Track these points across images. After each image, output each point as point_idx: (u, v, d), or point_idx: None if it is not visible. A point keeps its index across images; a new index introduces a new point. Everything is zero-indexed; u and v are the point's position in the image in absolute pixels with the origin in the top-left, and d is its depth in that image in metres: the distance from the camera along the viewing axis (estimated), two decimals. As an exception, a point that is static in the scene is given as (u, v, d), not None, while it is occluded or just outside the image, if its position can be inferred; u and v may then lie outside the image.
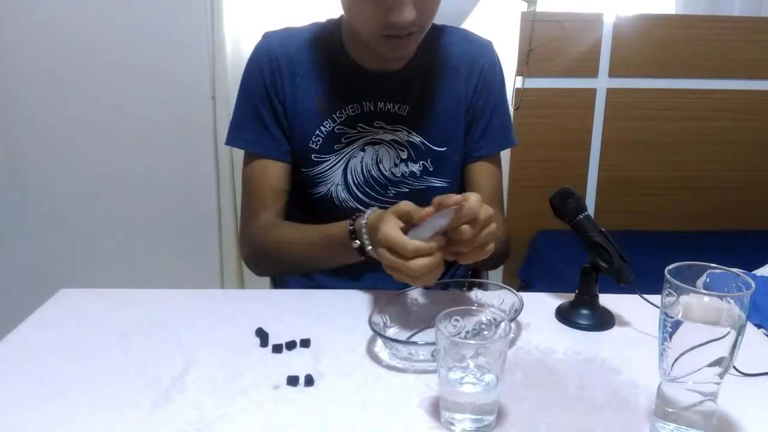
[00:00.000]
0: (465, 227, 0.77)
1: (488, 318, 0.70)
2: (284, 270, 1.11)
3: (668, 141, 2.46)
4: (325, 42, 1.07)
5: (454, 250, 0.80)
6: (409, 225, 0.80)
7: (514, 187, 2.41)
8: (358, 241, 0.90)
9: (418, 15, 0.90)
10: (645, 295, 0.92)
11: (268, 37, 1.08)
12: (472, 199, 0.78)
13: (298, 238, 1.01)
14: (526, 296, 0.85)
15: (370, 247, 0.88)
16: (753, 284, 0.59)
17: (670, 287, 0.60)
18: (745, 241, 2.34)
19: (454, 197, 0.76)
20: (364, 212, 0.90)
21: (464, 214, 0.76)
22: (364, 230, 0.88)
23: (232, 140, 1.09)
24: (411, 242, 0.75)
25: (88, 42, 2.17)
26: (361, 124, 1.06)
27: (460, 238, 0.78)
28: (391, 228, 0.78)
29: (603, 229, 0.90)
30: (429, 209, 0.78)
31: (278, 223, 1.05)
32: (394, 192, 1.09)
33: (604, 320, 0.90)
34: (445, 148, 1.09)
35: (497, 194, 1.15)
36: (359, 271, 1.13)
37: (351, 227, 0.91)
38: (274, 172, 1.07)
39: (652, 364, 0.64)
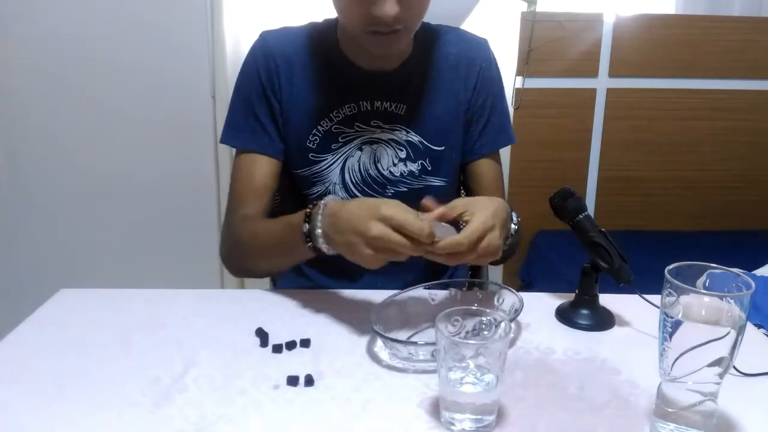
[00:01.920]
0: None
1: (488, 318, 0.70)
2: (253, 267, 1.06)
3: (668, 141, 2.46)
4: (322, 42, 1.07)
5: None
6: None
7: (514, 187, 2.41)
8: (307, 225, 0.86)
9: (402, 11, 0.90)
10: (645, 295, 0.92)
11: (265, 36, 1.08)
12: (475, 221, 0.78)
13: (263, 228, 1.00)
14: (526, 296, 0.85)
15: (319, 230, 0.84)
16: (753, 284, 0.59)
17: (670, 287, 0.60)
18: (745, 241, 2.34)
19: (451, 213, 0.78)
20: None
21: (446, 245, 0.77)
22: (320, 212, 0.85)
23: (227, 138, 1.09)
24: (429, 225, 0.75)
25: (88, 42, 2.17)
26: (358, 124, 1.06)
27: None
28: (401, 208, 0.77)
29: (603, 229, 0.90)
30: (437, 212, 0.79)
31: (254, 219, 1.03)
32: (392, 191, 1.09)
33: (604, 320, 0.90)
34: (443, 148, 1.09)
35: (501, 190, 1.16)
36: (359, 272, 1.13)
37: (308, 210, 0.88)
38: (262, 168, 1.06)
39: (652, 364, 0.64)
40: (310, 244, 0.87)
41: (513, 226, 0.93)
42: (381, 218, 0.76)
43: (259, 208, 1.05)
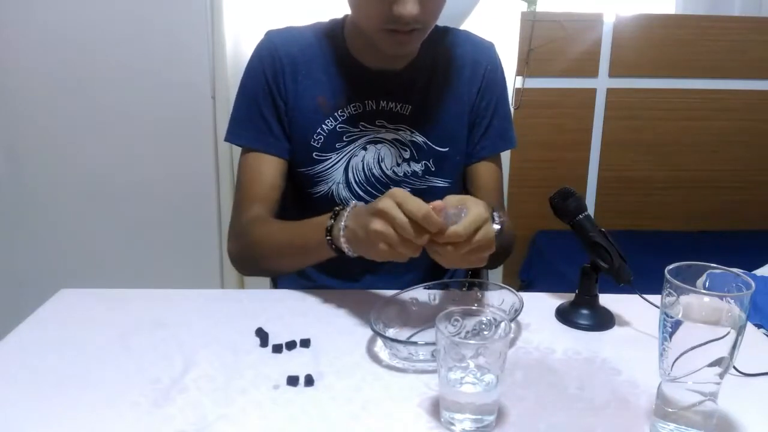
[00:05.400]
0: (449, 248, 0.77)
1: (488, 318, 0.70)
2: (265, 266, 1.06)
3: (668, 141, 2.46)
4: (328, 41, 1.07)
5: (435, 249, 0.79)
6: None
7: (514, 187, 2.41)
8: (332, 221, 0.87)
9: (422, 11, 0.90)
10: (645, 295, 0.92)
11: (270, 35, 1.08)
12: (471, 214, 0.77)
13: (279, 228, 1.00)
14: (526, 296, 0.85)
15: (342, 223, 0.84)
16: (753, 284, 0.59)
17: (670, 287, 0.60)
18: (745, 241, 2.34)
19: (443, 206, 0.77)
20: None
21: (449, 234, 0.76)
22: (347, 210, 0.85)
23: (232, 137, 1.09)
24: (426, 206, 0.75)
25: (89, 42, 2.17)
26: (363, 123, 1.06)
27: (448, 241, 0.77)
28: (406, 192, 0.77)
29: (603, 229, 0.90)
30: (439, 202, 0.78)
31: (267, 219, 1.03)
32: (395, 191, 1.08)
33: (604, 320, 0.90)
34: (447, 149, 1.09)
35: (499, 194, 1.16)
36: (358, 272, 1.13)
37: (336, 209, 0.88)
38: (269, 167, 1.06)
39: (652, 364, 0.64)
40: (329, 238, 0.86)
41: (496, 226, 0.92)
42: (390, 195, 0.77)
43: (268, 207, 1.05)
